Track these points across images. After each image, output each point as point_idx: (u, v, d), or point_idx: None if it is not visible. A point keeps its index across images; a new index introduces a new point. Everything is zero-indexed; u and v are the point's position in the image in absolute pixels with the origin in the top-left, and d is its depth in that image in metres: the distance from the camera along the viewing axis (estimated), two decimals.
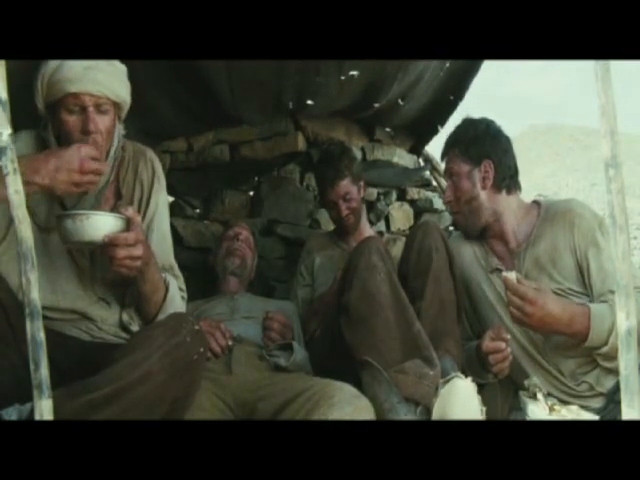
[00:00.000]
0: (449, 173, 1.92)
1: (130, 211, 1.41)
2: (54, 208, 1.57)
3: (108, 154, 1.61)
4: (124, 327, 1.61)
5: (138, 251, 1.39)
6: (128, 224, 1.40)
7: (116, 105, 1.59)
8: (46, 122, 1.57)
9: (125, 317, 1.61)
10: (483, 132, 1.88)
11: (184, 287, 1.73)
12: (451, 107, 3.17)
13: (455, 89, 3.03)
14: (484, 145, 1.85)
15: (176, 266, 1.74)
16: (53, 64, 1.48)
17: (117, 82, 1.56)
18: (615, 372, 1.62)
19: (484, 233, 1.90)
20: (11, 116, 0.86)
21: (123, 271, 1.41)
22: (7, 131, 0.84)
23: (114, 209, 1.65)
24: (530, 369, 1.77)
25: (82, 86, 1.48)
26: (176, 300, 1.64)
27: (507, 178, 1.86)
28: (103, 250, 1.40)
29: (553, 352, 1.74)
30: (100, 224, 1.36)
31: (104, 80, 1.51)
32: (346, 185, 2.43)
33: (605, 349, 1.59)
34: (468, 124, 1.94)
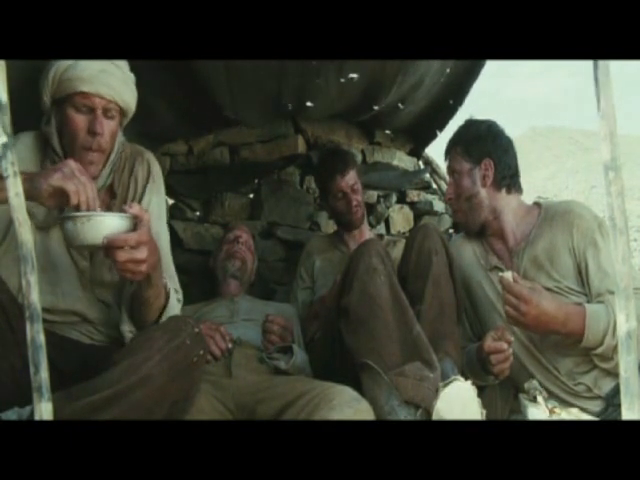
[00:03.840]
0: (451, 171, 1.96)
1: (136, 208, 1.29)
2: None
3: (108, 159, 1.61)
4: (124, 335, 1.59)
5: (141, 254, 1.27)
6: (135, 224, 1.29)
7: (122, 112, 1.60)
8: (49, 117, 1.57)
9: (125, 328, 1.55)
10: (484, 132, 1.92)
11: (179, 289, 1.68)
12: (451, 111, 3.18)
13: (455, 94, 3.04)
14: (485, 144, 1.88)
15: (172, 267, 1.70)
16: (67, 61, 1.49)
17: (127, 89, 1.58)
18: (613, 374, 1.63)
19: (483, 231, 1.92)
20: (11, 117, 0.85)
21: (127, 276, 1.31)
22: (7, 133, 0.84)
23: (109, 209, 1.61)
24: (529, 366, 1.77)
25: (94, 87, 1.50)
26: (174, 305, 1.62)
27: (507, 177, 1.88)
28: (105, 253, 1.28)
29: (551, 350, 1.74)
30: (103, 226, 1.24)
31: (116, 85, 1.53)
32: (354, 176, 2.49)
33: (601, 349, 1.60)
34: (470, 124, 1.97)
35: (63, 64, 1.50)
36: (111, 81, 1.52)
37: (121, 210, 1.31)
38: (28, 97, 1.57)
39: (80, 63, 1.49)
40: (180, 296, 1.66)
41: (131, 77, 1.62)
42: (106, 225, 1.25)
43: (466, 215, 1.92)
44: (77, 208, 1.28)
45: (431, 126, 3.38)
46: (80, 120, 1.52)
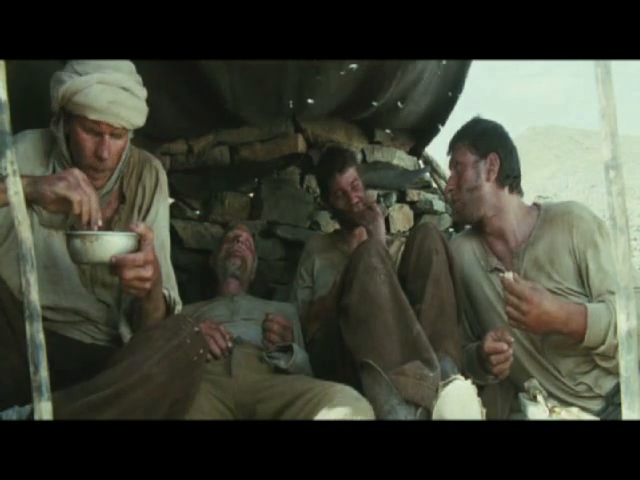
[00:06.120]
0: (454, 163, 1.95)
1: (142, 227, 1.32)
2: None
3: (114, 169, 1.61)
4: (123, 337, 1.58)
5: (147, 272, 1.31)
6: (140, 241, 1.32)
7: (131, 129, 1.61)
8: (58, 119, 1.57)
9: (124, 331, 1.56)
10: (491, 129, 1.93)
11: (179, 300, 1.66)
12: (451, 103, 3.17)
13: (452, 84, 3.02)
14: (492, 140, 1.90)
15: (173, 277, 1.70)
16: (78, 83, 1.46)
17: (136, 114, 1.56)
18: (613, 373, 1.63)
19: (483, 229, 1.92)
20: (18, 114, 0.85)
21: (132, 292, 1.36)
22: (7, 132, 0.84)
23: (117, 212, 1.65)
24: (530, 368, 1.77)
25: (103, 117, 1.49)
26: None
27: (510, 177, 1.88)
28: (111, 270, 1.31)
29: (551, 351, 1.74)
30: (110, 245, 1.27)
31: (125, 115, 1.52)
32: (353, 173, 2.47)
33: (602, 348, 1.60)
34: (477, 121, 1.99)
35: (74, 85, 1.46)
36: (121, 112, 1.50)
37: (127, 228, 1.34)
38: (37, 95, 1.58)
39: (91, 91, 1.45)
40: (180, 307, 1.65)
41: (141, 97, 1.58)
42: (114, 244, 1.28)
43: (465, 206, 1.91)
44: (79, 217, 1.31)
45: (433, 122, 3.36)
46: (87, 140, 1.52)
